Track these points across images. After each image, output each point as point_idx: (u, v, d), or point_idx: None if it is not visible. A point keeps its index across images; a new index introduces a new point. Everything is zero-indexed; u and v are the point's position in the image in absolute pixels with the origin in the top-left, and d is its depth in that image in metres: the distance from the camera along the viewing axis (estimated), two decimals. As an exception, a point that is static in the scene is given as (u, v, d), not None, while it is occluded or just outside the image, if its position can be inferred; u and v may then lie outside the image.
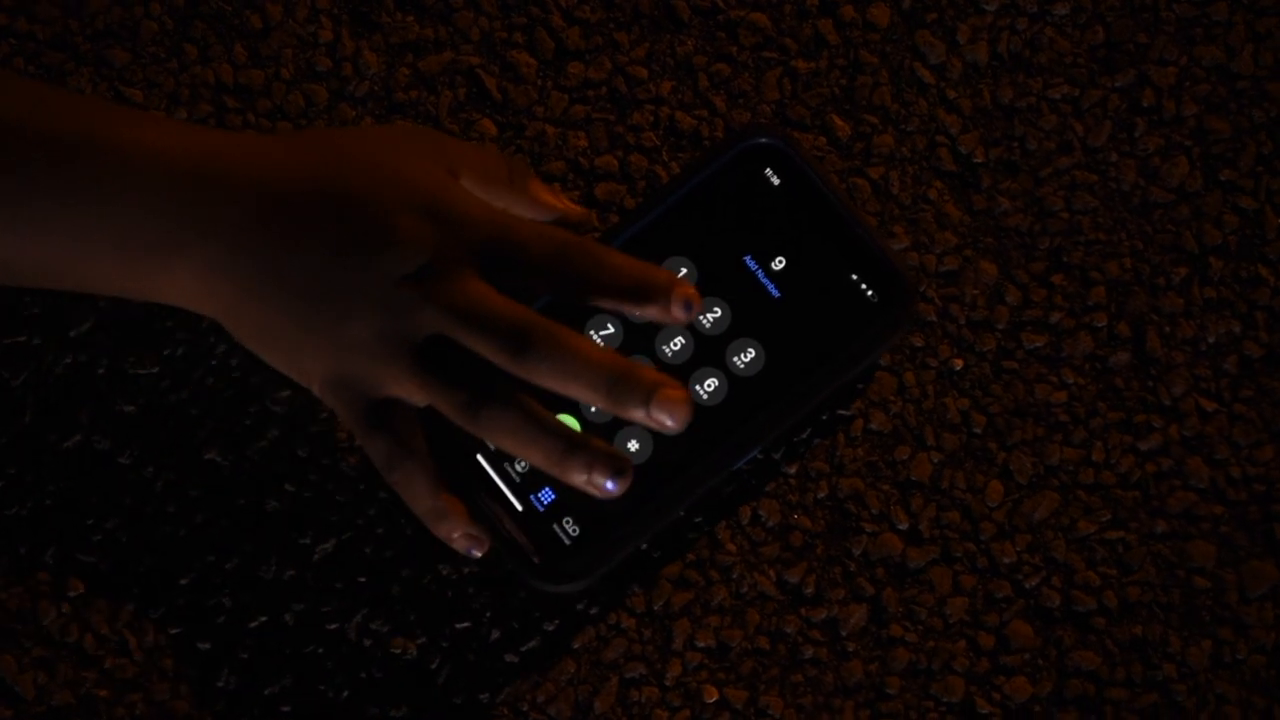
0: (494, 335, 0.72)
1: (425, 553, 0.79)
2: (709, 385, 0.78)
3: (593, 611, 0.79)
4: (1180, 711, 0.79)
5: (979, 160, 0.83)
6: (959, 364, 0.81)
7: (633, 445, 0.77)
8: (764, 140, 0.79)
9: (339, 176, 0.73)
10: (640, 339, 0.78)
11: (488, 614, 0.79)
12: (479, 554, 0.75)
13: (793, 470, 0.80)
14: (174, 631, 0.79)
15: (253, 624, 0.79)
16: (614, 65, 0.84)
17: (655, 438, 0.77)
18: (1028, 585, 0.80)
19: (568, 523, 0.76)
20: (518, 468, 0.77)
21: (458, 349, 0.73)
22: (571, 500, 0.77)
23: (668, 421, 0.73)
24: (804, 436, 0.81)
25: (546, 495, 0.77)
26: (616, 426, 0.77)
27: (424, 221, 0.73)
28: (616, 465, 0.73)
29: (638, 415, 0.73)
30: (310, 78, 0.84)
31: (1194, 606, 0.79)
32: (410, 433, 0.74)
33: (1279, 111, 0.83)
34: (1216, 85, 0.83)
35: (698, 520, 0.80)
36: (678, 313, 0.74)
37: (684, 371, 0.78)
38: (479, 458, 0.77)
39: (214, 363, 0.81)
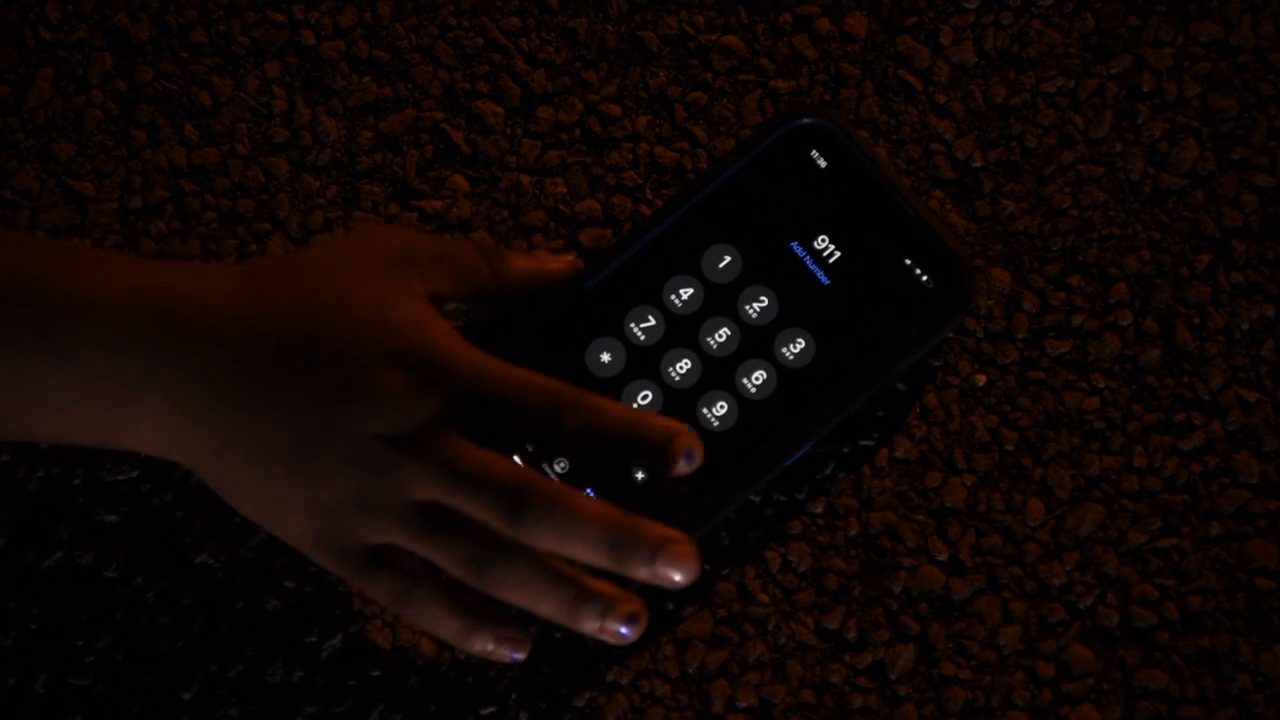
0: (486, 498, 0.69)
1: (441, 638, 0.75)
2: (756, 378, 0.74)
3: (624, 681, 0.74)
4: (1259, 722, 0.74)
5: (978, 164, 0.79)
6: (982, 379, 0.77)
7: None
8: (810, 120, 0.75)
9: (310, 320, 0.69)
10: (683, 332, 0.75)
11: (513, 696, 0.74)
12: (523, 655, 0.71)
13: (819, 509, 0.76)
14: (180, 750, 0.74)
15: (264, 733, 0.74)
16: (585, 105, 0.80)
17: (701, 435, 0.73)
18: (1082, 606, 0.75)
19: None
20: (557, 468, 0.73)
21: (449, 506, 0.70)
22: (615, 503, 0.73)
23: (675, 577, 0.69)
24: (828, 472, 0.76)
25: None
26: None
27: (403, 374, 0.69)
28: (630, 611, 0.70)
29: (642, 574, 0.69)
30: (268, 150, 0.79)
31: (1261, 610, 0.75)
32: (412, 562, 0.70)
33: (1286, 82, 0.79)
34: (1217, 62, 0.80)
35: (726, 573, 0.75)
36: (681, 468, 0.70)
37: (730, 364, 0.74)
38: (515, 459, 0.73)
39: (195, 460, 0.76)
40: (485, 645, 0.71)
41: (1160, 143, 0.79)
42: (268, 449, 0.69)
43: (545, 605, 0.70)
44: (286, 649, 0.75)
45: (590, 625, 0.70)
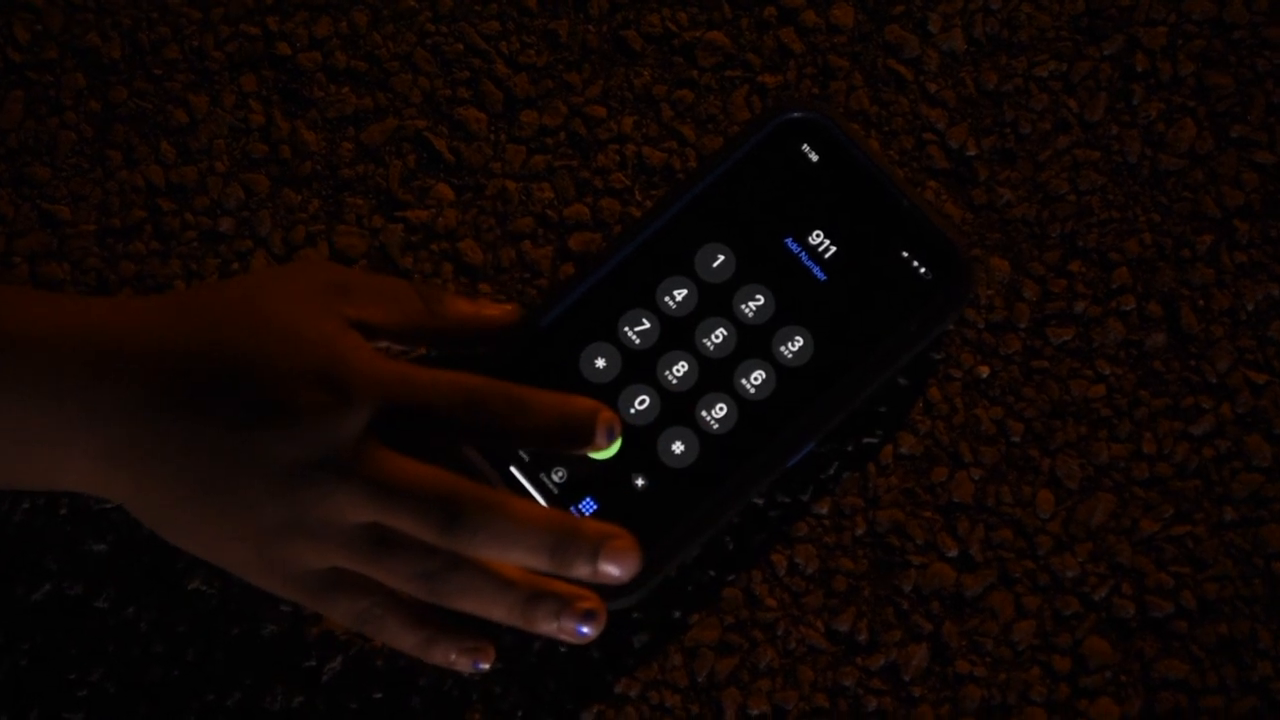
0: (417, 512, 0.67)
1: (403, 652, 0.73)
2: (755, 378, 0.73)
3: (633, 693, 0.73)
4: (1283, 709, 0.72)
5: (972, 153, 0.77)
6: (985, 371, 0.75)
7: (677, 447, 0.72)
8: (799, 114, 0.74)
9: (227, 344, 0.68)
10: (678, 334, 0.73)
11: (519, 713, 0.72)
12: (486, 665, 0.69)
13: (825, 510, 0.74)
14: (180, 782, 0.72)
15: (265, 761, 0.72)
16: (569, 108, 0.78)
17: (701, 439, 0.72)
18: (1096, 597, 0.73)
19: None
20: (555, 478, 0.72)
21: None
22: (616, 512, 0.71)
23: (615, 572, 0.69)
24: (831, 472, 0.75)
25: (588, 506, 0.71)
26: (662, 426, 0.72)
27: (319, 391, 0.67)
28: (586, 608, 0.69)
29: (584, 572, 0.68)
30: (247, 166, 0.78)
31: (1279, 595, 0.73)
32: (364, 581, 0.69)
33: (1281, 57, 0.78)
34: (1211, 39, 0.78)
35: (732, 578, 0.74)
36: (600, 440, 0.70)
37: (728, 365, 0.73)
38: (512, 469, 0.72)
39: (184, 484, 0.74)
40: (446, 656, 0.70)
41: (1157, 123, 0.78)
42: (194, 482, 0.67)
43: (498, 610, 0.68)
44: (285, 675, 0.73)
45: (547, 626, 0.68)
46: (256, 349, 0.68)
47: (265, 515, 0.67)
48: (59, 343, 0.68)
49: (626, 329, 0.73)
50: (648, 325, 0.74)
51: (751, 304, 0.74)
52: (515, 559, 0.68)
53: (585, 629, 0.69)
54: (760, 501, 0.75)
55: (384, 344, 0.72)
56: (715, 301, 0.74)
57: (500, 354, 0.73)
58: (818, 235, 0.74)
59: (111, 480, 0.68)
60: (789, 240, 0.74)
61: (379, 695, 0.73)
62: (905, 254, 0.74)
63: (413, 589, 0.68)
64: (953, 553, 0.74)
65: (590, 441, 0.70)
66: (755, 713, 0.73)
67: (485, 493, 0.68)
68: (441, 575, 0.68)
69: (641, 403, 0.73)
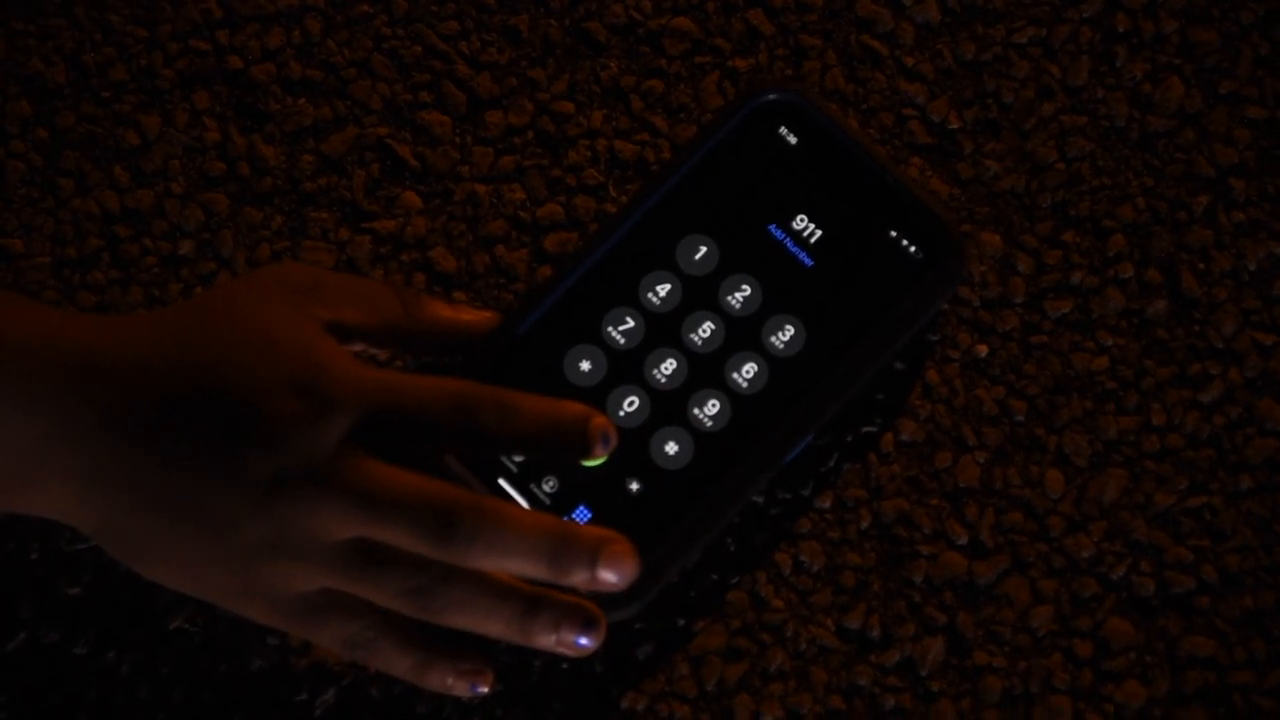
0: (410, 524, 0.65)
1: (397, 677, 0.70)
2: (747, 372, 0.70)
3: (640, 707, 0.70)
4: (1316, 680, 0.70)
5: (955, 126, 0.75)
6: (983, 350, 0.73)
7: (670, 448, 0.70)
8: (774, 96, 0.71)
9: (201, 355, 0.65)
10: (664, 330, 0.71)
11: (523, 735, 0.70)
12: (485, 689, 0.66)
13: (827, 504, 0.72)
14: (173, 830, 0.69)
15: (261, 803, 0.69)
16: (536, 105, 0.76)
17: (695, 438, 0.69)
18: (1114, 577, 0.71)
19: None
20: (545, 488, 0.69)
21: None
22: (611, 519, 0.69)
23: (613, 579, 0.66)
24: (832, 464, 0.72)
25: (582, 514, 0.69)
26: (653, 427, 0.70)
27: (296, 399, 0.65)
28: (585, 618, 0.66)
29: (582, 579, 0.66)
30: (205, 186, 0.75)
31: (1302, 561, 0.71)
32: (353, 603, 0.66)
33: (1267, 8, 0.75)
34: (1193, -6, 0.76)
35: (735, 581, 0.71)
36: (598, 450, 0.67)
37: (717, 360, 0.70)
38: (501, 481, 0.69)
39: (159, 519, 0.71)
40: (443, 680, 0.67)
41: (1143, 84, 0.75)
42: (171, 502, 0.65)
43: (494, 625, 0.66)
44: (277, 710, 0.70)
45: (545, 639, 0.66)
46: (231, 360, 0.65)
47: (245, 534, 0.64)
48: (46, 354, 0.65)
49: (610, 329, 0.71)
50: (632, 323, 0.71)
51: (738, 295, 0.71)
52: (512, 567, 0.65)
53: (585, 640, 0.66)
54: (760, 499, 0.72)
55: (359, 347, 0.69)
56: (700, 295, 0.71)
57: (481, 360, 0.70)
58: (802, 220, 0.71)
59: (86, 504, 0.66)
60: (772, 227, 0.71)
61: (376, 726, 0.70)
62: (893, 234, 0.71)
63: (404, 606, 0.65)
64: (963, 540, 0.71)
65: (587, 452, 0.67)
66: (769, 719, 0.70)
67: (478, 499, 0.65)
68: (434, 589, 0.65)
69: (631, 404, 0.70)
